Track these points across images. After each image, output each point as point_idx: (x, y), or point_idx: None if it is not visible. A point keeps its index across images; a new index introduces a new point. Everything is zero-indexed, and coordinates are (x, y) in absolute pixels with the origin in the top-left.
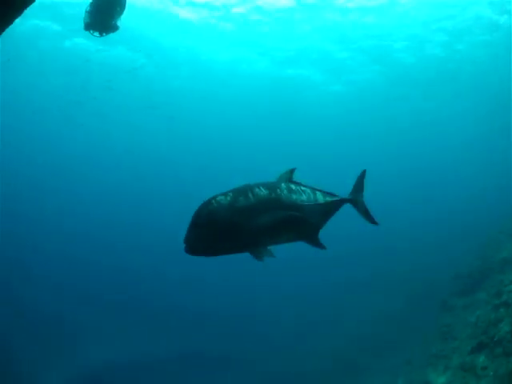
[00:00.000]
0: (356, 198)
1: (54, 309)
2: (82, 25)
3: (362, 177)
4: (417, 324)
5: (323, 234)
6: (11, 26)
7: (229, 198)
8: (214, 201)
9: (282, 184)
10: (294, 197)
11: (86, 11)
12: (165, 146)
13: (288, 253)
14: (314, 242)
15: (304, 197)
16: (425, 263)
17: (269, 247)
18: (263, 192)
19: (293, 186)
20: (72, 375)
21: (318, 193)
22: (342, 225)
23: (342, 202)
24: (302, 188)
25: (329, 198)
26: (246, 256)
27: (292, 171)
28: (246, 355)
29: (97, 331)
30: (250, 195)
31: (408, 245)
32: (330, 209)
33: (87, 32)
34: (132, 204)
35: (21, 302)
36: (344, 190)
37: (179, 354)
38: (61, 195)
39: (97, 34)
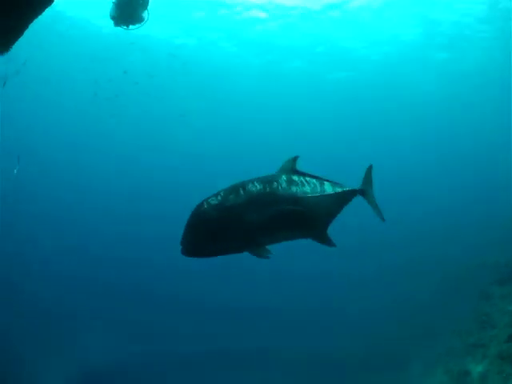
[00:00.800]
0: (367, 189)
1: (55, 305)
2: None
3: (369, 170)
4: (454, 313)
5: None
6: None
7: (219, 198)
8: (205, 202)
9: (283, 176)
10: (294, 189)
11: (112, 2)
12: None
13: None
14: (322, 238)
15: (307, 188)
16: (450, 254)
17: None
18: (256, 187)
19: (295, 177)
20: (72, 374)
21: (326, 183)
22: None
23: (353, 192)
24: (307, 179)
25: (339, 189)
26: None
27: (295, 160)
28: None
29: (99, 328)
30: (242, 192)
31: (430, 235)
32: (340, 200)
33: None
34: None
35: (20, 298)
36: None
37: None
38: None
39: (124, 26)
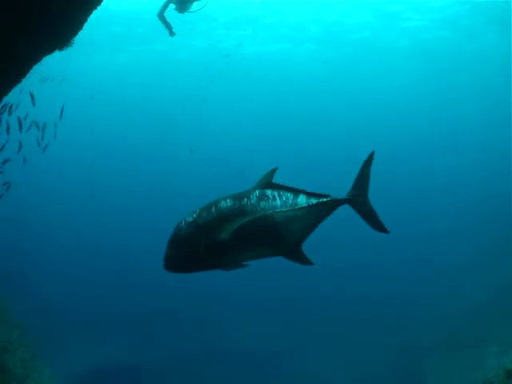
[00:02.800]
0: (357, 198)
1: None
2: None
3: (367, 166)
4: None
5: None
6: None
7: (194, 215)
8: (183, 219)
9: (256, 191)
10: (263, 204)
11: None
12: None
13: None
14: (295, 256)
15: (278, 202)
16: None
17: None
18: (227, 204)
19: (269, 192)
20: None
21: (301, 196)
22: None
23: (334, 203)
24: (281, 192)
25: (314, 200)
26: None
27: (272, 172)
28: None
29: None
30: (213, 209)
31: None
32: (315, 213)
33: None
34: None
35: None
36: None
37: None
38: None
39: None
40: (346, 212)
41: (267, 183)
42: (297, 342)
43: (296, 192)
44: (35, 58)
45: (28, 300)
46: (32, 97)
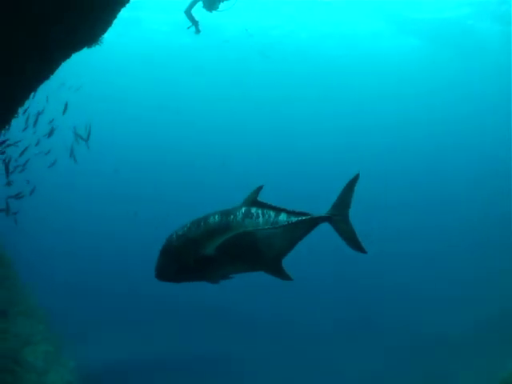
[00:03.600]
0: (336, 216)
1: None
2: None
3: (351, 185)
4: None
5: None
6: None
7: (185, 229)
8: (175, 232)
9: (242, 208)
10: (247, 222)
11: None
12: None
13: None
14: (276, 271)
15: (260, 220)
16: None
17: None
18: (215, 220)
19: (253, 210)
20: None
21: (282, 214)
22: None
23: (314, 221)
24: (265, 210)
25: (294, 219)
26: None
27: (257, 191)
28: None
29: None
30: (202, 224)
31: None
32: (294, 231)
33: None
34: None
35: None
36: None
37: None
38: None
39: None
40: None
41: (253, 201)
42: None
43: (278, 210)
44: (64, 54)
45: (54, 293)
46: (66, 106)
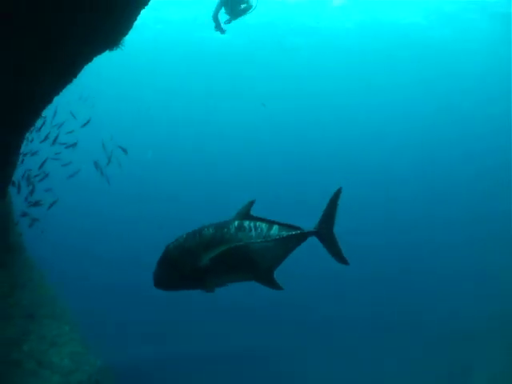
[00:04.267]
0: (323, 231)
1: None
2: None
3: (334, 201)
4: None
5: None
6: None
7: (181, 240)
8: (171, 242)
9: (236, 222)
10: (241, 235)
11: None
12: None
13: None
14: (267, 281)
15: (253, 233)
16: None
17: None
18: (209, 232)
19: (246, 223)
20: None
21: (274, 227)
22: None
23: (302, 235)
24: (257, 224)
25: (284, 233)
26: None
27: (250, 204)
28: None
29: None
30: (197, 236)
31: None
32: (285, 244)
33: None
34: None
35: None
36: None
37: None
38: None
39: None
40: None
41: (246, 214)
42: None
43: (270, 223)
44: (87, 57)
45: (81, 294)
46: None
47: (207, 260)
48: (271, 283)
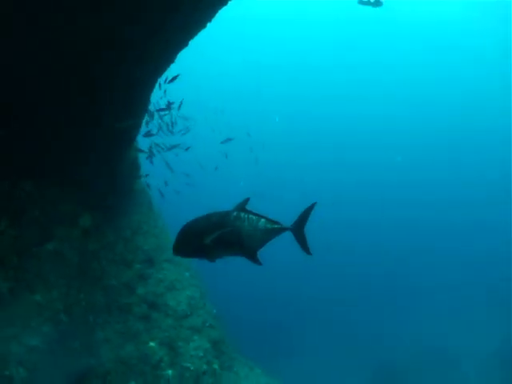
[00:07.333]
0: (297, 228)
1: None
2: None
3: (308, 210)
4: None
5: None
6: None
7: (195, 221)
8: (187, 222)
9: (235, 212)
10: (238, 223)
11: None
12: None
13: None
14: (252, 258)
15: (246, 223)
16: None
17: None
18: (216, 218)
19: (242, 214)
20: None
21: (262, 220)
22: None
23: (281, 229)
24: (250, 216)
25: (269, 226)
26: None
27: (246, 201)
28: None
29: None
30: (205, 220)
31: None
32: (269, 233)
33: None
34: None
35: None
36: None
37: None
38: None
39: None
40: None
41: (242, 207)
42: None
43: (259, 217)
44: (169, 57)
45: None
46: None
47: (209, 240)
48: (254, 260)
